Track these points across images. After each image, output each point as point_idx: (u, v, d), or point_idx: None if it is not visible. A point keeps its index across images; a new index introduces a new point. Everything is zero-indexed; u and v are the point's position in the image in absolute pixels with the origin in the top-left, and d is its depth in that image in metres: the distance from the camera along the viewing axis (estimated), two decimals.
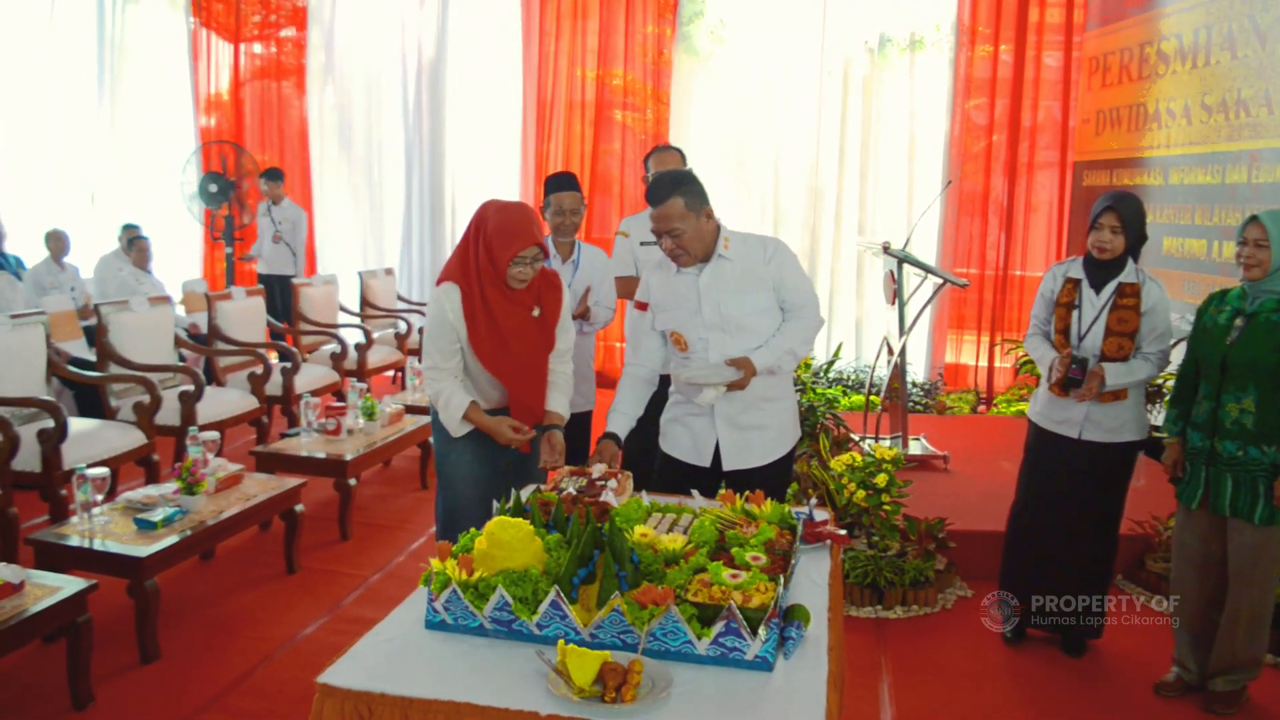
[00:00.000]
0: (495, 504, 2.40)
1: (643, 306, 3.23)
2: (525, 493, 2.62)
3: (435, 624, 1.99)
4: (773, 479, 3.14)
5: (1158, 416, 6.18)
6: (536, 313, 3.12)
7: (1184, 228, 6.05)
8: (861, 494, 4.34)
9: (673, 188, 2.92)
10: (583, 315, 4.07)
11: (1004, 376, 8.25)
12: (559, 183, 4.08)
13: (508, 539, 2.01)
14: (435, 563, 2.02)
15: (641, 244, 4.21)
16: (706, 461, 3.18)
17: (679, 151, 4.38)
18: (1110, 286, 3.48)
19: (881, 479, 4.35)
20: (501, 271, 2.99)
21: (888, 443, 5.55)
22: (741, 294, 3.03)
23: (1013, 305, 8.30)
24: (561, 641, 1.79)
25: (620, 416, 3.16)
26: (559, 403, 3.26)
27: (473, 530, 2.16)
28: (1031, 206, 8.24)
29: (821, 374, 6.89)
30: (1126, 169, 6.90)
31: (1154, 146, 6.52)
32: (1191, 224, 5.96)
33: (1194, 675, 3.47)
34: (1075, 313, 3.54)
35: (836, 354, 6.73)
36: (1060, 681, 3.60)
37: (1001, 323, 8.28)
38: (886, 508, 4.36)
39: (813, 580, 2.30)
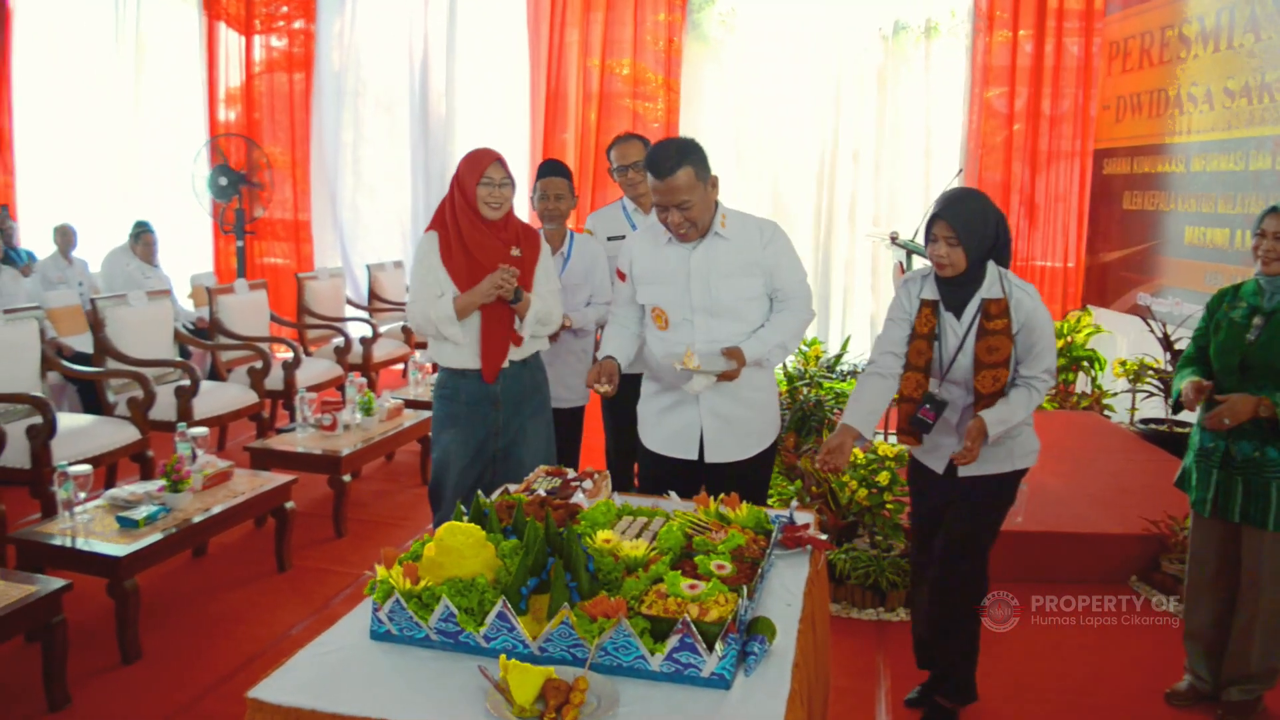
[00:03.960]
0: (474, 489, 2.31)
1: (622, 276, 3.10)
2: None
3: (380, 635, 1.90)
4: (754, 473, 3.03)
5: (1179, 412, 6.00)
6: (516, 252, 3.17)
7: (1206, 216, 5.86)
8: (863, 492, 4.21)
9: (681, 157, 2.73)
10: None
11: None
12: (546, 169, 4.03)
13: (456, 545, 1.91)
14: (380, 570, 1.92)
15: (609, 239, 4.10)
16: (693, 454, 3.06)
17: (643, 141, 4.21)
18: (972, 306, 2.82)
19: (884, 477, 4.22)
20: (471, 198, 3.09)
21: (895, 439, 5.40)
22: (734, 277, 2.90)
23: None
24: (503, 657, 1.69)
25: (616, 348, 3.08)
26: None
27: (425, 535, 2.06)
28: (1053, 197, 8.06)
29: (832, 367, 6.74)
30: (1147, 156, 6.71)
31: (1176, 133, 6.33)
32: (1214, 212, 5.78)
33: (1207, 684, 3.32)
34: (937, 344, 2.88)
35: (844, 347, 6.59)
36: (1067, 688, 3.47)
37: None
38: (889, 506, 4.24)
39: (787, 589, 2.18)
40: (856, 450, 4.36)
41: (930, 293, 2.87)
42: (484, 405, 3.30)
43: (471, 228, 3.13)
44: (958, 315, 2.83)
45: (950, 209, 2.74)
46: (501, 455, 3.36)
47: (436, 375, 3.47)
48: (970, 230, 2.71)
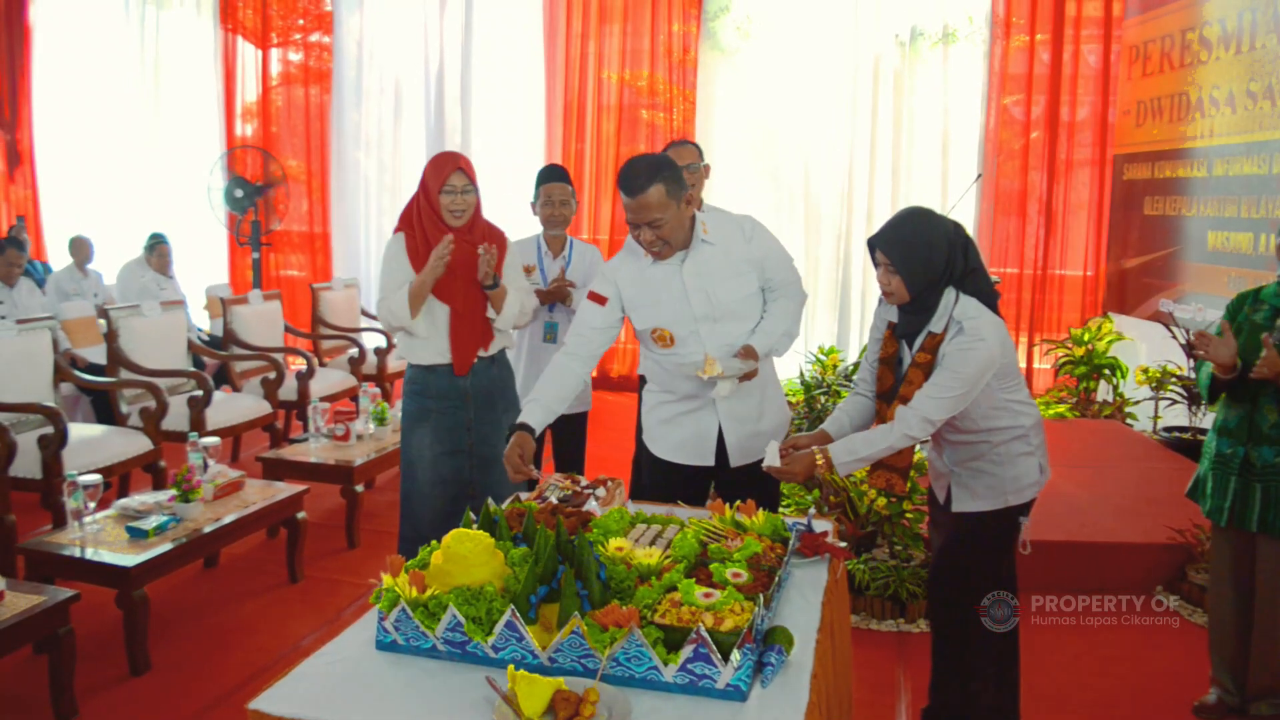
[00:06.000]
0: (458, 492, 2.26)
1: (601, 300, 2.96)
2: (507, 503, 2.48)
3: (387, 645, 1.84)
4: (768, 476, 2.96)
5: (1203, 419, 5.90)
6: (482, 249, 3.23)
7: (1229, 220, 5.77)
8: (882, 501, 4.14)
9: (652, 175, 2.68)
10: (560, 297, 4.01)
11: (1044, 378, 7.99)
12: (548, 174, 4.06)
13: (464, 553, 1.86)
14: (387, 579, 1.87)
15: None
16: (709, 459, 2.99)
17: (696, 146, 4.20)
18: (920, 339, 2.59)
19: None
20: (435, 205, 3.20)
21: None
22: (729, 279, 2.86)
23: (1052, 305, 8.06)
24: (511, 667, 1.64)
25: (538, 407, 2.79)
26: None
27: (433, 543, 2.01)
28: (1072, 204, 7.99)
29: (849, 375, 6.67)
30: (1168, 161, 6.62)
31: (1197, 137, 6.24)
32: (1237, 216, 5.69)
33: (1234, 696, 3.22)
34: (899, 371, 2.68)
35: (863, 354, 6.52)
36: (1094, 701, 3.38)
37: (1040, 322, 8.04)
38: (909, 516, 4.16)
39: (805, 598, 2.12)
40: None
41: (894, 316, 2.69)
42: (454, 400, 3.39)
43: (436, 231, 3.24)
44: (910, 345, 2.63)
45: (885, 234, 2.53)
46: (475, 452, 3.43)
47: (406, 373, 3.52)
48: (909, 257, 2.47)
